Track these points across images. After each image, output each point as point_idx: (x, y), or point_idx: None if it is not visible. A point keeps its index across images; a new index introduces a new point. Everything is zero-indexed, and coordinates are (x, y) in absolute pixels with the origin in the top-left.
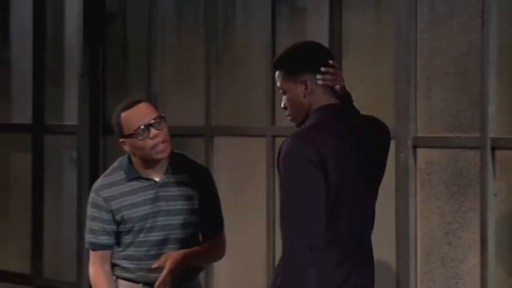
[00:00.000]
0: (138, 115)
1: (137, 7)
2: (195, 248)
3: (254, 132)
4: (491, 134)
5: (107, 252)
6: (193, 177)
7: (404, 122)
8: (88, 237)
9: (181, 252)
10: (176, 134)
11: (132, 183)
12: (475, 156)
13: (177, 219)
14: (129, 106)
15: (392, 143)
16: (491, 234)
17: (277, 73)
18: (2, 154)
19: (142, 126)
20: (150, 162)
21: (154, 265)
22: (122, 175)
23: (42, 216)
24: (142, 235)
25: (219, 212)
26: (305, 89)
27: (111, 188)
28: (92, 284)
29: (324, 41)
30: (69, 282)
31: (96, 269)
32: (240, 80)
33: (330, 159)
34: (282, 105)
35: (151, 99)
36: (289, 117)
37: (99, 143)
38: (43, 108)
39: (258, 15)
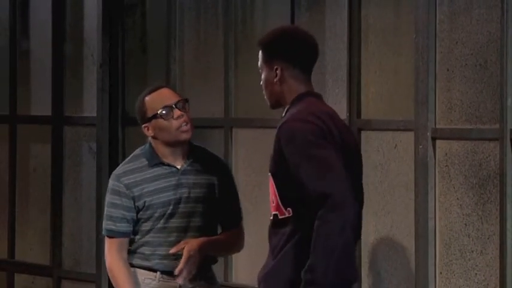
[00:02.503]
0: (162, 97)
1: None
2: (214, 237)
3: (273, 124)
4: (511, 126)
5: (125, 240)
6: (213, 167)
7: (423, 114)
8: (106, 224)
9: (200, 239)
10: (195, 126)
11: (154, 169)
12: (495, 147)
13: (198, 207)
14: (153, 90)
15: (411, 134)
16: (510, 226)
17: (259, 52)
18: (22, 145)
19: (166, 107)
20: (172, 147)
21: (172, 250)
22: (143, 162)
23: (62, 208)
24: (162, 221)
25: (238, 204)
26: (275, 76)
27: (133, 175)
28: (110, 272)
29: (343, 32)
30: (88, 273)
31: (113, 256)
32: (259, 71)
33: (331, 140)
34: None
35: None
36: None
37: (118, 134)
38: (62, 99)
39: (277, 6)
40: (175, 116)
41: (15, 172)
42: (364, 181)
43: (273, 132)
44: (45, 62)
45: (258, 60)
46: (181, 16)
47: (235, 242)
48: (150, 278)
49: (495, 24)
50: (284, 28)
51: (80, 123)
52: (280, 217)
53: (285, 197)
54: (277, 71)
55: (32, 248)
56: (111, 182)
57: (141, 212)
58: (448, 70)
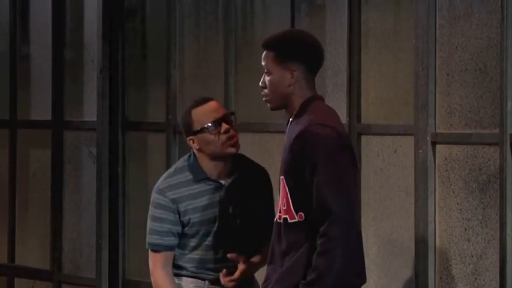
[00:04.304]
0: (210, 110)
1: (156, 3)
2: (260, 257)
3: (273, 128)
4: (510, 130)
5: (170, 254)
6: (256, 179)
7: (423, 118)
8: (152, 239)
9: (257, 258)
10: None
11: (199, 185)
12: (494, 152)
13: (244, 223)
14: (200, 103)
15: (411, 139)
16: (510, 230)
17: (265, 53)
18: (22, 150)
19: (215, 121)
20: (217, 160)
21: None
22: (188, 176)
23: (62, 212)
24: (209, 239)
25: (274, 214)
26: (291, 77)
27: (178, 189)
28: (156, 287)
29: (343, 37)
30: (88, 277)
31: (159, 271)
32: (259, 76)
33: (348, 146)
34: (260, 84)
35: (170, 95)
36: (264, 98)
37: (118, 138)
38: (62, 104)
39: (277, 12)
40: (222, 130)
41: (15, 176)
42: (364, 186)
43: (273, 136)
44: (46, 66)
45: (258, 65)
46: (181, 21)
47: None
48: (199, 286)
49: (495, 29)
50: (292, 29)
51: (80, 128)
52: (290, 221)
53: (299, 201)
54: (294, 73)
55: (32, 253)
56: (156, 196)
57: (186, 228)
58: (447, 75)
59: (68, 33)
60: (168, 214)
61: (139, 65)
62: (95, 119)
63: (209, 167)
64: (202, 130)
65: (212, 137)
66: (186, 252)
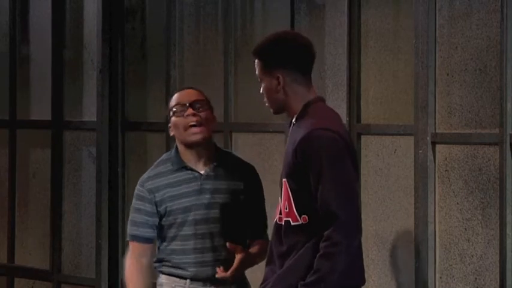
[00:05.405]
0: (182, 94)
1: (156, 3)
2: (255, 250)
3: (273, 129)
4: (510, 131)
5: (146, 246)
6: (239, 172)
7: (423, 118)
8: (130, 230)
9: (255, 249)
10: None
11: (178, 174)
12: (494, 152)
13: (222, 213)
14: (179, 90)
15: (411, 139)
16: (510, 230)
17: (256, 61)
18: (22, 150)
19: (179, 104)
20: (190, 148)
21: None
22: (168, 166)
23: (61, 212)
24: (185, 228)
25: (264, 212)
26: (278, 84)
27: (156, 179)
28: (125, 275)
29: (343, 37)
30: (88, 277)
31: (132, 261)
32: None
33: (351, 149)
34: (261, 91)
35: (170, 95)
36: (266, 104)
37: (118, 139)
38: (62, 104)
39: (277, 12)
40: (185, 114)
41: (15, 177)
42: (364, 186)
43: (272, 137)
44: (45, 67)
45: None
46: (181, 22)
47: (262, 255)
48: (180, 286)
49: (495, 29)
50: (276, 35)
51: (80, 128)
52: (293, 223)
53: (301, 204)
54: (279, 79)
55: (32, 253)
56: (137, 188)
57: (164, 219)
58: (447, 75)
59: (68, 33)
60: (145, 205)
61: (139, 65)
62: (95, 119)
63: (186, 155)
64: (171, 113)
65: (177, 120)
66: (165, 243)
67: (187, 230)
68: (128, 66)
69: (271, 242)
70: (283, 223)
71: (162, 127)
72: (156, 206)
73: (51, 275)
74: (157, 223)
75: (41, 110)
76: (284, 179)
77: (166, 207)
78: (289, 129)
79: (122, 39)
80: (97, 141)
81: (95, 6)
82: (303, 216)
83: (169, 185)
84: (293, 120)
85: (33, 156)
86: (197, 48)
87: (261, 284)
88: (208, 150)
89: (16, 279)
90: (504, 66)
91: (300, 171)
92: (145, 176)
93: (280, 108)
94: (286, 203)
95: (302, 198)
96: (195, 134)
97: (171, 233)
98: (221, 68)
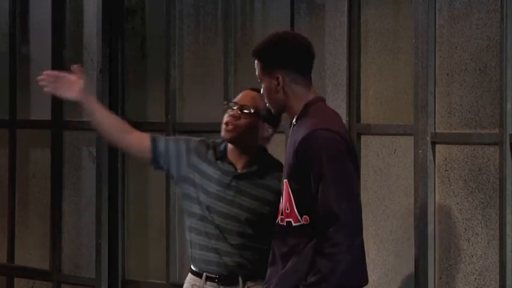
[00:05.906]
0: (241, 94)
1: (156, 3)
2: None
3: None
4: (510, 130)
5: (146, 137)
6: (275, 183)
7: (423, 118)
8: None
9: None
10: (194, 130)
11: (220, 162)
12: (494, 152)
13: (241, 214)
14: (245, 89)
15: (411, 139)
16: (510, 230)
17: (255, 62)
18: (22, 150)
19: (227, 103)
20: (230, 145)
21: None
22: (220, 148)
23: (61, 212)
24: (201, 223)
25: None
26: (277, 85)
27: (208, 150)
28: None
29: (343, 37)
30: (88, 277)
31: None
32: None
33: (352, 150)
34: (261, 91)
35: (170, 95)
36: (267, 104)
37: None
38: (62, 104)
39: (277, 12)
40: (228, 112)
41: (15, 177)
42: (363, 186)
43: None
44: (45, 66)
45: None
46: (180, 21)
47: None
48: (197, 285)
49: (495, 29)
50: (276, 35)
51: (80, 128)
52: (294, 224)
53: (302, 204)
54: (279, 80)
55: (32, 253)
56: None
57: (181, 183)
58: (447, 75)
59: (68, 33)
60: (187, 146)
61: (139, 65)
62: None
63: (230, 149)
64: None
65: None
66: (188, 232)
67: (202, 225)
68: (128, 66)
69: (273, 242)
70: (284, 224)
71: (162, 127)
72: (185, 160)
73: (51, 275)
74: (173, 162)
75: (41, 110)
76: (285, 180)
77: (194, 177)
78: (289, 129)
79: (121, 39)
80: (97, 141)
81: (94, 6)
82: (304, 216)
83: (208, 162)
84: (293, 121)
85: (33, 156)
86: (197, 48)
87: (264, 284)
88: (248, 153)
89: (16, 279)
90: (504, 66)
91: (301, 172)
92: (210, 140)
93: (280, 108)
94: (288, 203)
95: (303, 198)
96: (224, 132)
97: (193, 208)
98: (221, 68)
